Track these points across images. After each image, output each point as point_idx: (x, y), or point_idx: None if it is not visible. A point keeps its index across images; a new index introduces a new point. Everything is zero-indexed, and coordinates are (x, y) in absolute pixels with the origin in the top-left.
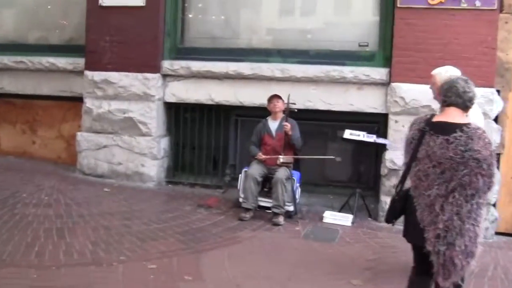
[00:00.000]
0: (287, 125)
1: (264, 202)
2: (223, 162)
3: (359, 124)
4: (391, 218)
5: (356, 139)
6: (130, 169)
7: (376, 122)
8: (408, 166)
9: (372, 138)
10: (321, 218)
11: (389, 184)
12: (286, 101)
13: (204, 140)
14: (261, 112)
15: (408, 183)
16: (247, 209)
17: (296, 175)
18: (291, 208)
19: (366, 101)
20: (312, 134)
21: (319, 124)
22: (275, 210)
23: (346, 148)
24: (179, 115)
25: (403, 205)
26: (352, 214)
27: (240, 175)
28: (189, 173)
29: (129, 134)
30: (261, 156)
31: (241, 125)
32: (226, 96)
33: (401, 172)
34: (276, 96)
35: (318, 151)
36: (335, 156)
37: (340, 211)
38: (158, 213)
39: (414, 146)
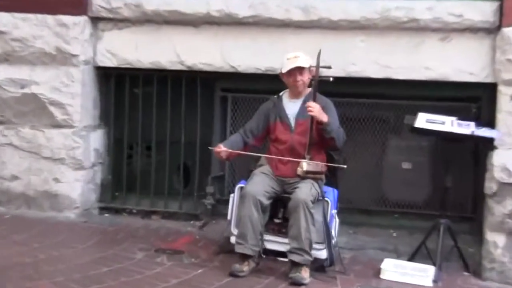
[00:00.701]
0: (313, 107)
1: (275, 243)
2: (202, 173)
3: (442, 104)
4: None
5: (437, 129)
6: (35, 188)
7: (475, 99)
8: None
9: (467, 128)
10: (378, 271)
11: (501, 210)
12: (313, 64)
13: (167, 134)
14: (267, 84)
15: None
16: (245, 256)
17: (331, 194)
18: (322, 254)
19: (456, 62)
20: (358, 122)
21: (371, 104)
22: (295, 258)
23: (420, 146)
24: (123, 91)
25: None
26: (434, 264)
27: (232, 195)
28: (141, 193)
29: (32, 125)
30: (220, 148)
31: (232, 105)
32: (206, 55)
33: None
34: (298, 69)
35: (368, 151)
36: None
37: (411, 259)
38: (85, 266)
39: None
